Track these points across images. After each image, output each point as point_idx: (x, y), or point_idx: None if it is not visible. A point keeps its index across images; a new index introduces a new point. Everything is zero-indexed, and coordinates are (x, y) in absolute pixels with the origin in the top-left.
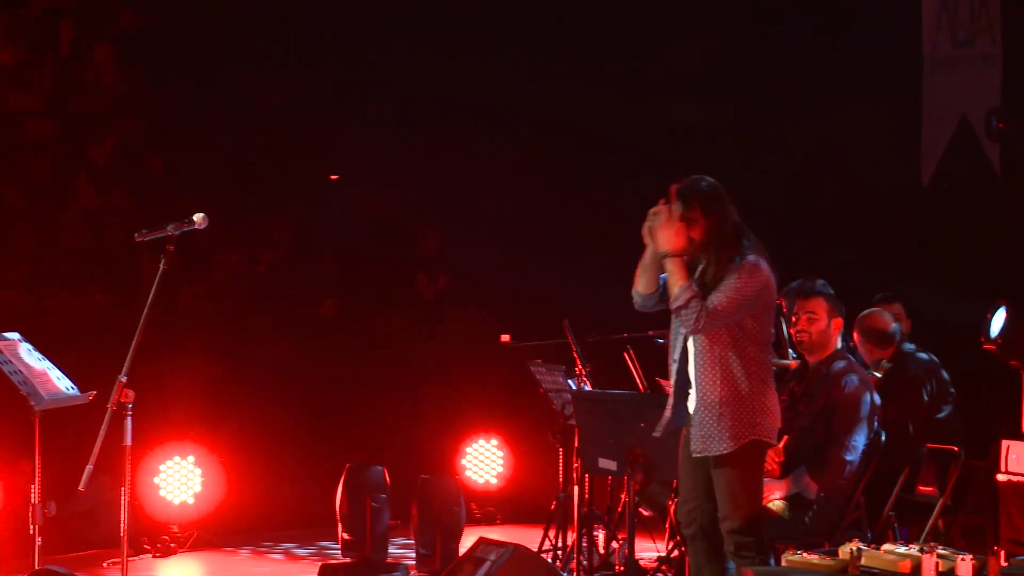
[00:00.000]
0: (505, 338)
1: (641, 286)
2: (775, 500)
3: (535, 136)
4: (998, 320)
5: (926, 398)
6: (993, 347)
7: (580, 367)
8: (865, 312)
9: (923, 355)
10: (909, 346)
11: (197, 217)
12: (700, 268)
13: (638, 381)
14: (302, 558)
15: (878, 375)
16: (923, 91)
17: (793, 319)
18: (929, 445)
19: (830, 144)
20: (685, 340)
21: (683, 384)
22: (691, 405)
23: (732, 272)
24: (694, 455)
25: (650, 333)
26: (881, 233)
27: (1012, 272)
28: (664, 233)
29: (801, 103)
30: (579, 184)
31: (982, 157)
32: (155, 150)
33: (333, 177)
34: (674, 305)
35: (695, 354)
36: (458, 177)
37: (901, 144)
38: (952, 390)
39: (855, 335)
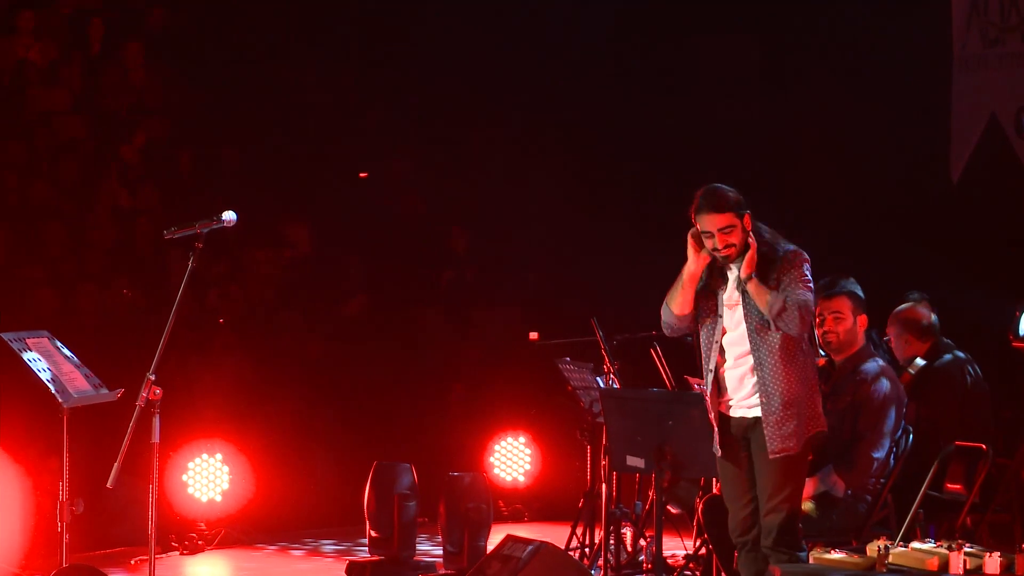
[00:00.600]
0: (533, 336)
1: (676, 307)
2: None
3: (564, 134)
4: None
5: (959, 397)
6: (1021, 345)
7: (608, 365)
8: (902, 306)
9: (960, 353)
10: (946, 342)
11: (226, 215)
12: (735, 274)
13: (665, 379)
14: (329, 555)
15: (911, 372)
16: (952, 90)
17: (818, 319)
18: (957, 443)
19: (860, 142)
20: (719, 350)
21: (718, 393)
22: (743, 409)
23: (786, 264)
24: (772, 456)
25: None
26: (911, 230)
27: None
28: (746, 259)
29: (832, 101)
30: (608, 183)
31: (1011, 155)
32: (184, 148)
33: (362, 175)
34: (772, 312)
35: (761, 357)
36: (487, 175)
37: (931, 142)
38: (986, 386)
39: (890, 329)
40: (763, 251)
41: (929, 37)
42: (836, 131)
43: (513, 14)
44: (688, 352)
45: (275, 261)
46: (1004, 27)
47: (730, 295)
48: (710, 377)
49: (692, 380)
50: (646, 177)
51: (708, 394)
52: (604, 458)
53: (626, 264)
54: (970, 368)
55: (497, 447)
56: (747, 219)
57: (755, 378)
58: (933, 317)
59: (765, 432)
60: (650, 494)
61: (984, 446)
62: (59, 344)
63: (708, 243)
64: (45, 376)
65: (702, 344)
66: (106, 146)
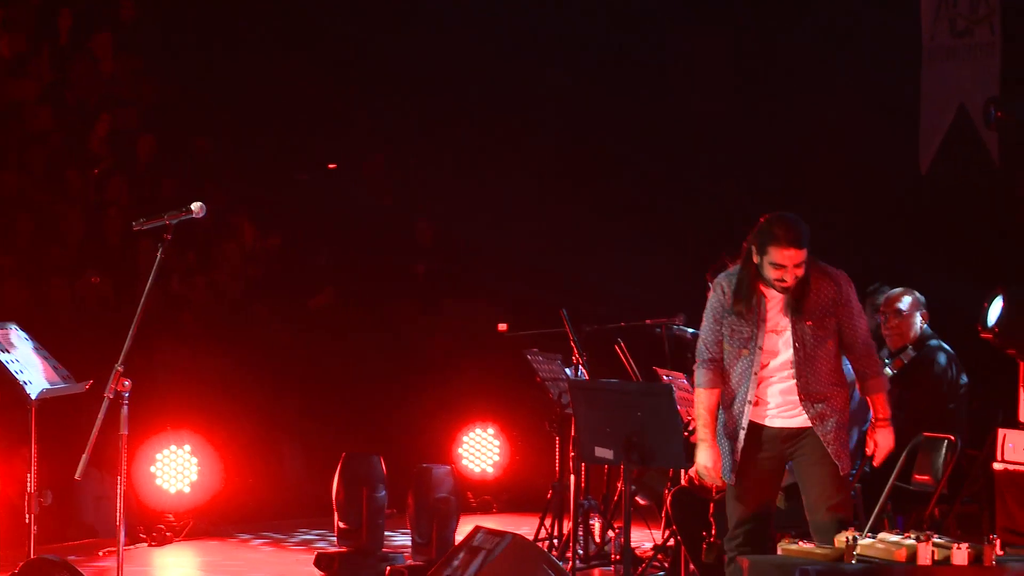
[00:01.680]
0: (502, 327)
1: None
2: None
3: (532, 125)
4: (995, 308)
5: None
6: (990, 335)
7: (577, 356)
8: (892, 292)
9: (947, 347)
10: (933, 340)
11: (195, 206)
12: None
13: (631, 372)
14: (298, 547)
15: (904, 359)
16: (922, 80)
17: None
18: (926, 434)
19: (830, 133)
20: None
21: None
22: (783, 419)
23: (843, 298)
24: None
25: (647, 322)
26: (880, 221)
27: (1009, 260)
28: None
29: (801, 93)
30: (577, 175)
31: (980, 146)
32: (154, 140)
33: (331, 166)
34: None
35: (812, 380)
36: (456, 167)
37: (900, 133)
38: (965, 380)
39: (890, 312)
40: (825, 288)
41: (899, 28)
42: (805, 122)
43: (483, 9)
44: (656, 343)
45: (244, 252)
46: (973, 18)
47: (775, 322)
48: (747, 408)
49: (660, 371)
50: (616, 169)
51: (733, 412)
52: (572, 449)
53: (595, 256)
54: (957, 364)
55: (466, 438)
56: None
57: (797, 391)
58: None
59: (824, 442)
60: (618, 485)
61: (952, 437)
62: (27, 336)
63: (772, 274)
64: (13, 368)
65: (735, 374)
66: (75, 137)
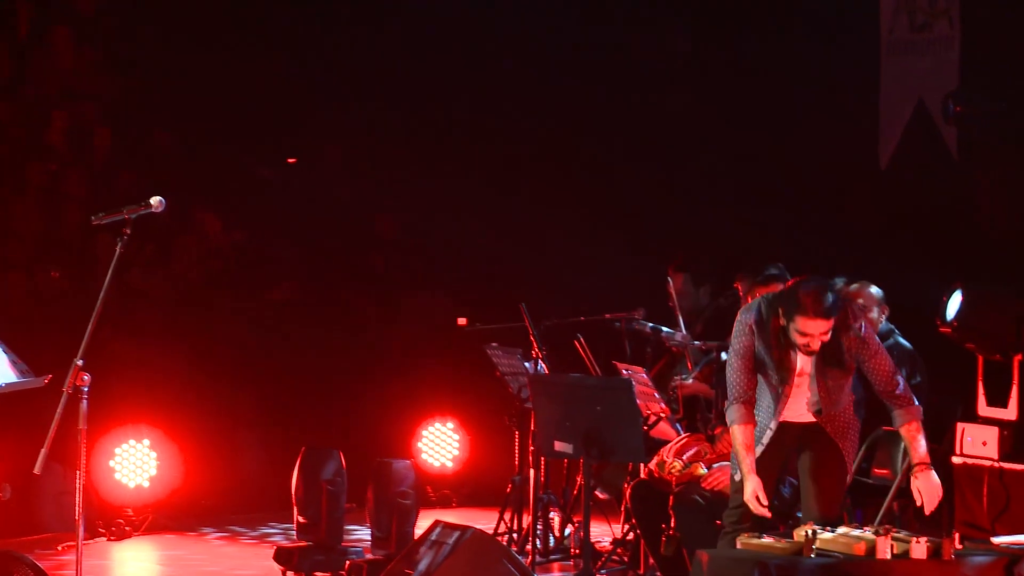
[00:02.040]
0: (462, 321)
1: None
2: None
3: (492, 119)
4: (954, 303)
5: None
6: (949, 330)
7: (536, 350)
8: (850, 288)
9: (905, 342)
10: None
11: (154, 200)
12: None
13: (591, 367)
14: (257, 541)
15: None
16: (881, 75)
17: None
18: (885, 428)
19: (789, 127)
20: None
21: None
22: (797, 416)
23: (855, 338)
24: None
25: (607, 316)
26: (838, 216)
27: (968, 255)
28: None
29: (760, 87)
30: (538, 169)
31: (939, 140)
32: (113, 133)
33: (291, 160)
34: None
35: (835, 404)
36: (416, 161)
37: (859, 127)
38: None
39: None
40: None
41: (859, 22)
42: (765, 117)
43: (439, 1)
44: (616, 338)
45: (203, 246)
46: (932, 12)
47: (802, 370)
48: (767, 434)
49: (620, 366)
50: (577, 164)
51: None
52: (532, 443)
53: (555, 250)
54: (915, 358)
55: (425, 433)
56: None
57: (813, 396)
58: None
59: (840, 445)
60: (578, 479)
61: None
62: None
63: (799, 340)
64: None
65: (761, 406)
66: (33, 131)
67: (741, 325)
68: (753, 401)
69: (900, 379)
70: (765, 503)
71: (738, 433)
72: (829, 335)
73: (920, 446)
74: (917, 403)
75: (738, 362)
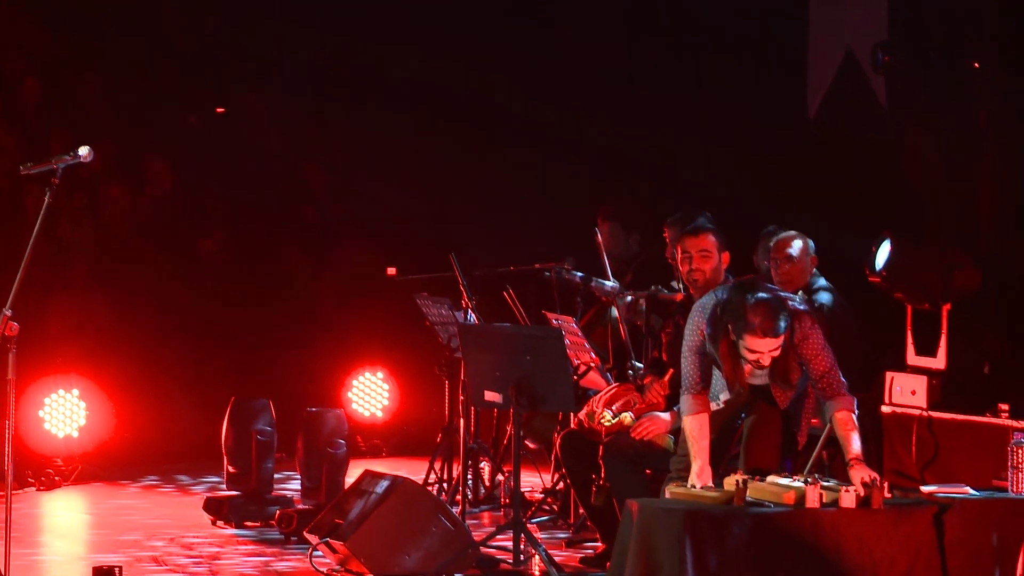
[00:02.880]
0: (391, 271)
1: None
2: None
3: (420, 69)
4: (883, 253)
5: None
6: (878, 279)
7: (466, 300)
8: (781, 236)
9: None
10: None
11: (83, 150)
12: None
13: (520, 317)
14: (187, 491)
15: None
16: (809, 24)
17: (681, 255)
18: None
19: (717, 77)
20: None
21: None
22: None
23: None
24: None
25: (536, 266)
26: (766, 166)
27: (897, 205)
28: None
29: (689, 40)
30: (466, 119)
31: (868, 90)
32: (39, 84)
33: (219, 110)
34: None
35: (785, 396)
36: (344, 111)
37: (788, 77)
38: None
39: (780, 258)
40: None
41: None
42: (693, 66)
43: None
44: (545, 287)
45: (132, 197)
46: None
47: (752, 375)
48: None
49: (550, 315)
50: (504, 115)
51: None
52: (462, 393)
53: (485, 201)
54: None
55: (355, 382)
56: None
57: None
58: None
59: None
60: (508, 429)
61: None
62: None
63: (748, 356)
64: None
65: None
66: None
67: (694, 324)
68: (705, 392)
69: (837, 373)
70: (711, 485)
71: (693, 424)
72: (779, 351)
73: (855, 441)
74: (851, 395)
75: (691, 356)
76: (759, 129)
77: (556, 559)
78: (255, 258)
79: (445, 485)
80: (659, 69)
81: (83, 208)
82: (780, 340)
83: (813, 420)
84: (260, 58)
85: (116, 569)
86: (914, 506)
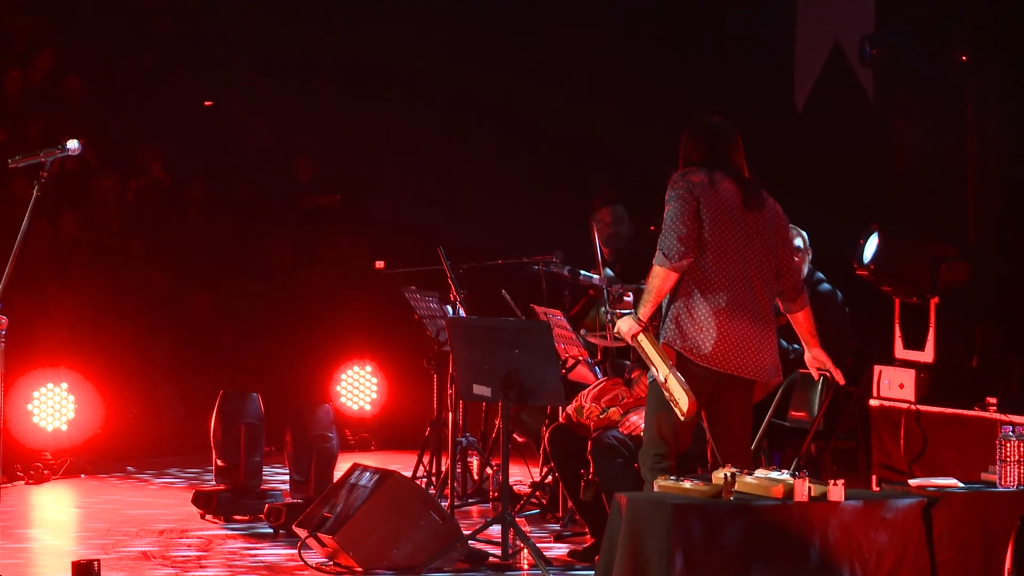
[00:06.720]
0: (379, 264)
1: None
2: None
3: (411, 61)
4: (871, 246)
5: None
6: (866, 273)
7: (454, 293)
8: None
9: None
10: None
11: (71, 144)
12: None
13: (515, 312)
14: (176, 484)
15: None
16: (797, 16)
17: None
18: (802, 371)
19: (705, 69)
20: None
21: None
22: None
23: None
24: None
25: (524, 259)
26: (754, 158)
27: (885, 198)
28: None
29: (675, 29)
30: (454, 111)
31: (855, 83)
32: (27, 76)
33: (207, 103)
34: None
35: None
36: (333, 103)
37: (775, 69)
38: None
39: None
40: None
41: None
42: (681, 59)
43: None
44: (533, 281)
45: (120, 189)
46: None
47: None
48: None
49: (538, 309)
50: (492, 107)
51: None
52: (451, 387)
53: (473, 194)
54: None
55: (344, 376)
56: None
57: None
58: None
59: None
60: (496, 422)
61: (828, 373)
62: None
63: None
64: None
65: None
66: None
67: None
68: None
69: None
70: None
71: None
72: None
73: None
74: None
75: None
76: (746, 121)
77: (545, 553)
78: (244, 252)
79: (434, 479)
80: (647, 61)
81: (71, 201)
82: None
83: (800, 413)
84: (247, 51)
85: (95, 563)
86: (902, 499)
